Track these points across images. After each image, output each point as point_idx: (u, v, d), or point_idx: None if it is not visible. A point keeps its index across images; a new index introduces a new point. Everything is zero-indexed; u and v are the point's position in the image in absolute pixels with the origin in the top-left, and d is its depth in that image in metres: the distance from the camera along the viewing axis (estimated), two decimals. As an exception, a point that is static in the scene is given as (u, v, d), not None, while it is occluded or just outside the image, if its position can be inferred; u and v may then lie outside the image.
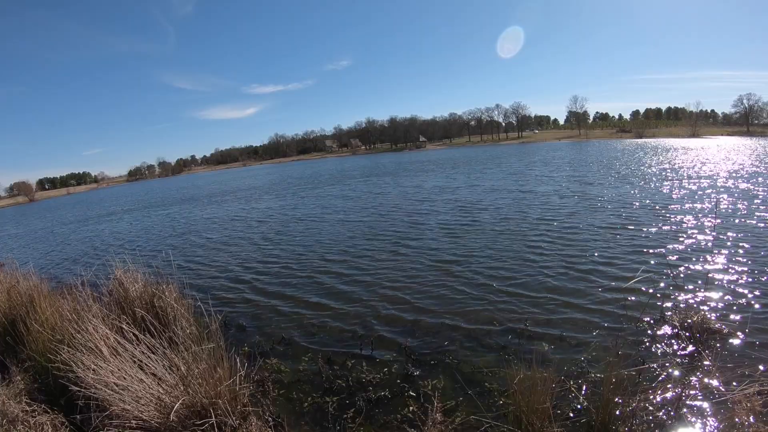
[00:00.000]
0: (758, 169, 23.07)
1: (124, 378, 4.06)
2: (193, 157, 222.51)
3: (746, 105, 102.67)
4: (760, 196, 14.80)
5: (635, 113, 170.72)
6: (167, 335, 4.61)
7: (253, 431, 4.17)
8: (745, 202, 13.84)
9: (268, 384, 5.26)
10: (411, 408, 4.64)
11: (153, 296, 6.24)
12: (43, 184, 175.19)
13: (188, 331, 4.56)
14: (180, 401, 3.85)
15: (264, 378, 5.34)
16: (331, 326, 6.99)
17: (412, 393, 4.93)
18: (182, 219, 23.75)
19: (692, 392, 4.48)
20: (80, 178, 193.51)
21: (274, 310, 7.88)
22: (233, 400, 4.19)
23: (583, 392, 4.58)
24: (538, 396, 3.84)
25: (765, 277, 7.28)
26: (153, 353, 4.37)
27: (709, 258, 8.44)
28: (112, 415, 3.90)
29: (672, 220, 12.00)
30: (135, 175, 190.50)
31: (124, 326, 4.71)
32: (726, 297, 6.65)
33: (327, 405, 4.85)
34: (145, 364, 4.27)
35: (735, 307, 6.30)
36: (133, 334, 4.58)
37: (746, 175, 20.84)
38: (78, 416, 4.38)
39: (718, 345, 5.36)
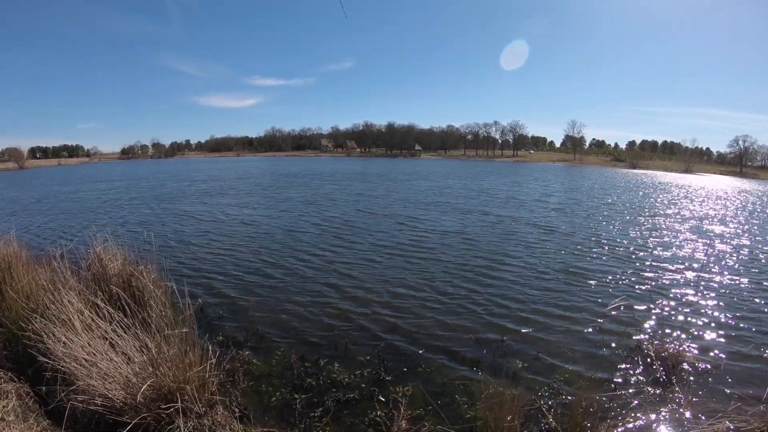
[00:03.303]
0: (745, 212, 23.36)
1: (94, 354, 4.02)
2: (187, 141, 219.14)
3: (742, 146, 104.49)
4: (745, 237, 15.00)
5: (631, 143, 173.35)
6: (141, 316, 4.57)
7: (219, 420, 4.13)
8: (732, 242, 14.03)
9: (238, 375, 5.23)
10: (378, 413, 4.63)
11: (131, 275, 6.16)
12: (34, 152, 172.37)
13: (163, 314, 4.51)
14: (148, 383, 3.81)
15: (235, 368, 5.30)
16: (307, 324, 6.96)
17: (381, 398, 4.93)
18: (167, 203, 23.59)
19: (662, 423, 4.53)
20: (72, 151, 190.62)
21: (250, 304, 7.83)
22: (201, 387, 4.16)
23: (552, 413, 4.59)
24: (506, 413, 3.86)
25: (742, 315, 7.39)
26: (125, 332, 4.33)
27: (688, 292, 8.54)
28: (78, 390, 3.86)
29: (657, 252, 12.12)
30: (128, 153, 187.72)
31: (99, 302, 4.66)
32: (702, 332, 6.75)
33: (295, 401, 4.82)
34: (117, 343, 4.23)
35: (710, 342, 6.39)
36: (108, 311, 4.54)
37: (734, 216, 21.10)
38: (44, 388, 4.34)
39: (691, 378, 5.43)
